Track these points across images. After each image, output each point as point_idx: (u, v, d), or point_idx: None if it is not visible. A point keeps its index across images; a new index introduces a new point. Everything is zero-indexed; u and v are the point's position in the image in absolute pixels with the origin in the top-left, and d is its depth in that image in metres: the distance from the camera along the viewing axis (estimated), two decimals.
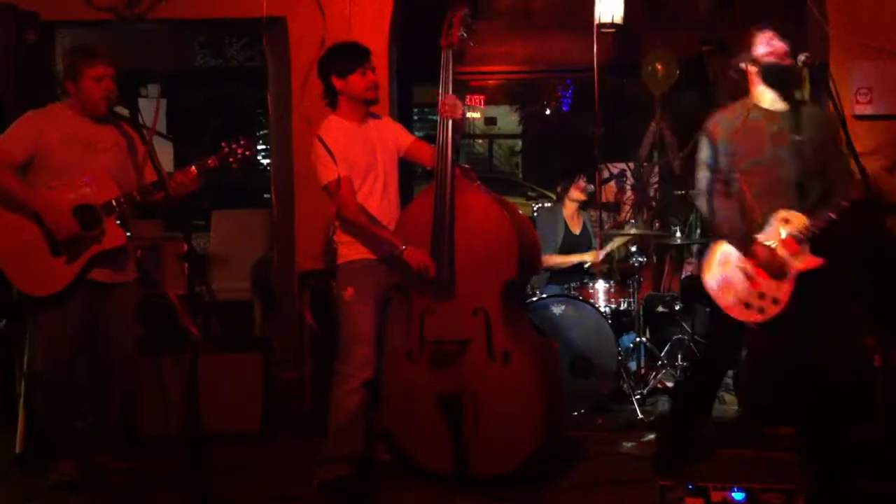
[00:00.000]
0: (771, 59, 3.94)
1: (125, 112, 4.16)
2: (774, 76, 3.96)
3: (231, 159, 4.20)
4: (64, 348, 4.18)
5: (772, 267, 3.91)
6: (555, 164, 11.22)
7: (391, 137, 4.33)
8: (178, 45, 9.46)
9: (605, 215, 7.22)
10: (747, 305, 3.99)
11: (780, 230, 3.93)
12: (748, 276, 3.97)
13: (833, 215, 3.85)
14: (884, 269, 4.55)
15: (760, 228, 3.95)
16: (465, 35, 4.19)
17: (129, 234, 4.16)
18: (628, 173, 7.80)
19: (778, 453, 4.44)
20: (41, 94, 4.26)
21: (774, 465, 4.32)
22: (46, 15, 5.45)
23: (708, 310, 5.05)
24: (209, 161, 4.19)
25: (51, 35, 5.61)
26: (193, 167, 4.16)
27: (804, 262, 3.91)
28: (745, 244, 3.97)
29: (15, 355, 4.78)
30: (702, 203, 4.14)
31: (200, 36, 9.54)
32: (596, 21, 6.80)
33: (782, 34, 3.97)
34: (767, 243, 3.94)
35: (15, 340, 4.79)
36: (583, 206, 6.37)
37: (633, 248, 6.03)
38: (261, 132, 12.33)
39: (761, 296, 3.96)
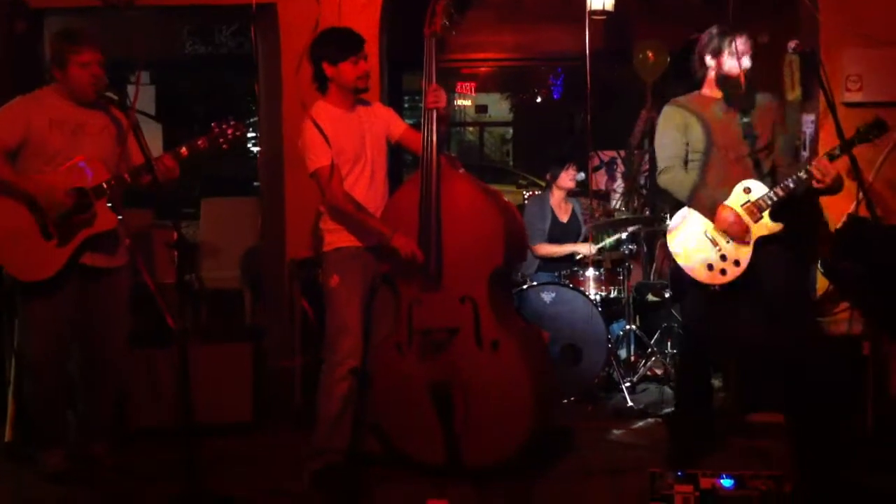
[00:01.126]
0: (728, 74, 4.25)
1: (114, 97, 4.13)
2: (732, 89, 4.27)
3: (221, 140, 4.19)
4: (56, 334, 4.17)
5: (734, 230, 4.17)
6: (545, 152, 11.21)
7: (381, 125, 4.31)
8: (168, 32, 9.41)
9: (594, 203, 7.21)
10: (710, 268, 4.24)
11: (741, 198, 4.20)
12: (711, 240, 4.24)
13: (793, 185, 4.12)
14: (874, 261, 4.58)
15: (724, 197, 4.21)
16: (447, 23, 4.18)
17: (120, 217, 4.14)
18: (619, 161, 7.81)
19: (765, 441, 4.47)
20: (31, 82, 4.23)
21: (762, 453, 4.34)
22: (35, 3, 5.41)
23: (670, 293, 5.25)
24: (199, 142, 4.17)
25: (40, 23, 5.57)
26: (184, 147, 4.14)
27: (764, 227, 4.19)
28: (711, 209, 4.21)
29: (4, 344, 4.76)
30: (666, 177, 4.35)
31: (190, 23, 9.49)
32: (587, 8, 6.79)
33: (751, 37, 4.26)
34: (731, 207, 4.19)
35: (4, 328, 4.76)
36: (572, 193, 6.36)
37: (624, 236, 6.03)
38: (250, 120, 12.30)
39: (723, 258, 4.22)
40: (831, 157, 4.06)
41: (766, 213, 4.17)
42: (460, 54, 8.46)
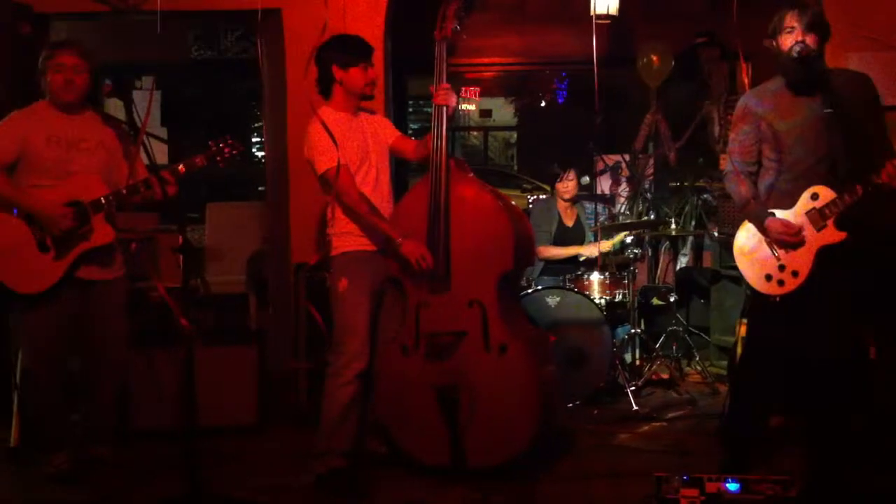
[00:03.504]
0: (786, 52, 3.85)
1: (119, 103, 4.15)
2: (791, 73, 3.91)
3: (218, 158, 4.22)
4: (52, 345, 4.19)
5: (785, 239, 3.88)
6: (550, 156, 11.20)
7: (381, 130, 4.34)
8: (173, 37, 9.43)
9: (599, 207, 7.22)
10: (768, 277, 3.96)
11: (807, 205, 3.89)
12: (771, 249, 3.96)
13: (860, 191, 3.77)
14: (881, 263, 4.53)
15: (791, 204, 3.92)
16: (458, 27, 4.20)
17: (117, 231, 4.17)
18: (623, 165, 7.81)
19: (772, 444, 4.46)
20: (36, 87, 4.25)
21: (768, 456, 4.33)
22: (40, 7, 5.42)
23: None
24: (197, 160, 4.19)
25: (45, 27, 5.58)
26: (181, 165, 4.16)
27: (827, 236, 3.86)
28: (760, 220, 3.96)
29: (11, 350, 4.77)
30: (727, 183, 4.14)
31: (195, 28, 9.51)
32: (592, 12, 6.79)
33: (810, 15, 3.87)
34: (786, 217, 3.91)
35: (10, 335, 4.77)
36: (574, 199, 6.34)
37: (629, 240, 6.03)
38: (255, 124, 12.31)
39: (781, 268, 3.93)
40: None
41: (830, 221, 3.83)
42: (465, 58, 8.46)
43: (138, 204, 4.24)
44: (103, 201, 4.07)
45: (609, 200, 7.67)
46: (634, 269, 5.97)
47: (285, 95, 5.55)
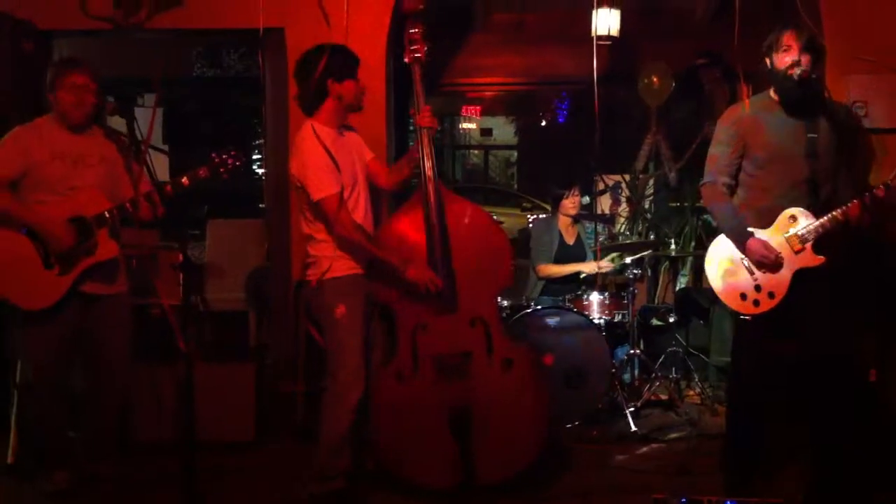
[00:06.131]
0: (782, 71, 3.92)
1: (122, 120, 4.16)
2: (786, 92, 3.96)
3: (222, 170, 4.23)
4: (54, 360, 4.19)
5: (764, 262, 3.92)
6: (550, 175, 11.21)
7: (361, 149, 4.27)
8: (176, 54, 9.47)
9: (599, 227, 7.23)
10: (743, 297, 4.00)
11: (785, 227, 3.94)
12: (748, 268, 3.99)
13: (840, 216, 3.84)
14: (884, 279, 4.53)
15: (768, 224, 3.96)
16: (426, 48, 4.19)
17: (121, 246, 4.18)
18: (623, 185, 7.82)
19: (770, 465, 4.45)
20: (38, 104, 4.26)
21: (768, 477, 4.32)
22: (43, 24, 5.44)
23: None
24: (200, 171, 4.20)
25: (47, 44, 5.59)
26: (185, 178, 4.17)
27: (805, 259, 3.92)
28: (741, 239, 3.98)
29: (8, 367, 4.77)
30: (704, 195, 4.16)
31: (198, 46, 9.55)
32: (593, 33, 6.82)
33: (808, 36, 3.93)
34: (765, 238, 3.95)
35: (7, 352, 4.77)
36: (575, 218, 6.38)
37: (629, 260, 6.04)
38: (257, 141, 12.32)
39: (758, 288, 3.97)
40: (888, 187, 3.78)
41: (808, 245, 3.91)
42: (466, 78, 8.50)
43: (142, 220, 4.23)
44: (107, 216, 4.08)
45: (609, 220, 7.67)
46: (634, 290, 5.97)
47: (287, 113, 5.56)
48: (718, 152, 4.09)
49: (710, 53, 7.50)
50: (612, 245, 6.50)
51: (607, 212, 7.85)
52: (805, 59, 3.88)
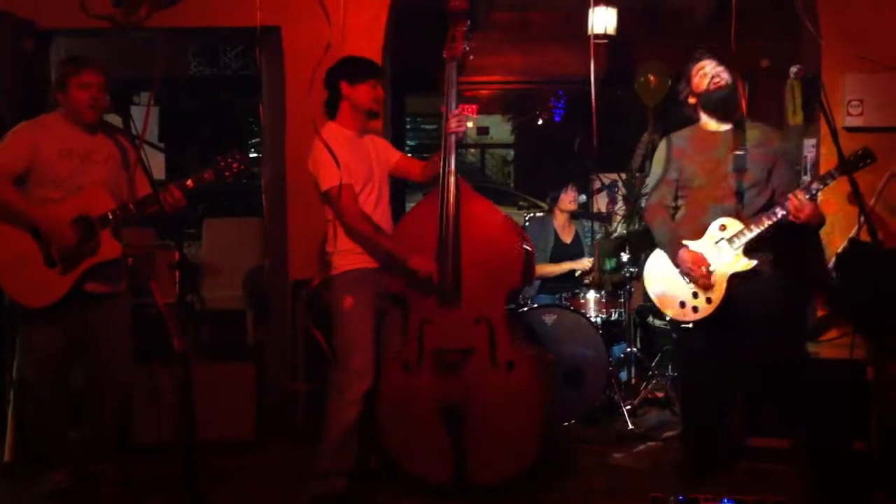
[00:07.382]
0: (703, 90, 4.25)
1: (118, 119, 4.16)
2: (713, 104, 4.25)
3: (227, 173, 4.23)
4: (54, 359, 4.19)
5: (692, 272, 4.16)
6: (546, 174, 11.23)
7: (384, 152, 4.37)
8: (173, 53, 9.44)
9: (596, 225, 7.23)
10: (682, 304, 4.26)
11: (716, 235, 4.17)
12: (685, 277, 4.23)
13: (769, 222, 4.07)
14: (875, 284, 4.58)
15: (702, 234, 4.20)
16: (467, 48, 4.23)
17: (123, 246, 4.18)
18: (620, 184, 7.82)
19: (768, 464, 4.47)
20: (38, 102, 4.25)
21: (764, 477, 4.34)
22: (43, 23, 5.43)
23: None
24: (205, 174, 4.20)
25: (48, 43, 5.59)
26: (190, 180, 4.16)
27: (736, 265, 4.15)
28: (673, 250, 4.23)
29: (4, 365, 4.76)
30: (646, 214, 4.53)
31: (195, 45, 9.53)
32: (589, 32, 6.82)
33: (718, 57, 4.27)
34: (697, 247, 4.18)
35: (4, 350, 4.77)
36: (573, 215, 6.39)
37: (625, 258, 6.04)
38: (253, 140, 12.33)
39: (695, 295, 4.22)
40: (814, 190, 4.01)
41: (739, 251, 4.13)
42: (465, 76, 8.48)
43: (142, 218, 4.23)
44: (111, 216, 4.08)
45: (605, 219, 7.67)
46: (631, 288, 5.98)
47: (284, 112, 5.55)
48: (653, 177, 4.46)
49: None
50: (609, 242, 6.50)
51: (604, 210, 7.84)
52: (717, 72, 4.21)
